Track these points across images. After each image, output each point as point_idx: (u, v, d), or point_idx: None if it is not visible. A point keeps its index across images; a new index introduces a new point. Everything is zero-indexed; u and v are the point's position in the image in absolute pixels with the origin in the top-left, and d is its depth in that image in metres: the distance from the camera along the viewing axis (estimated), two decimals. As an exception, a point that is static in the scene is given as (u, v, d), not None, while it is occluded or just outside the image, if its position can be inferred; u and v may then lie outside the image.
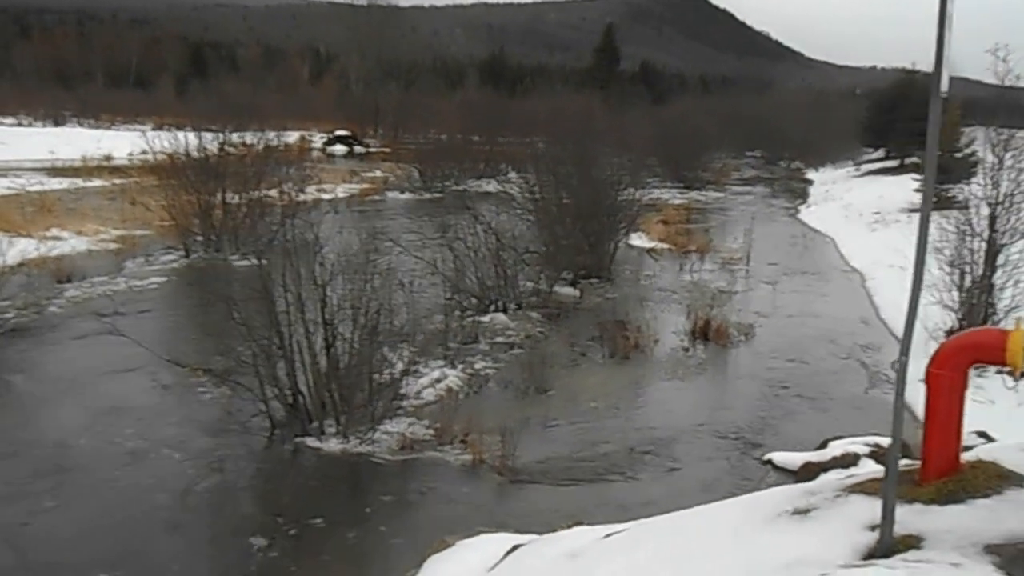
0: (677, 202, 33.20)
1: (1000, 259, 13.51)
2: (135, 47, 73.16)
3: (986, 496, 4.34)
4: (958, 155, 26.71)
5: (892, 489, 4.03)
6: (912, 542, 4.01)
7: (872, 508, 4.22)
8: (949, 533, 4.02)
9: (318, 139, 49.50)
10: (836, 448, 9.24)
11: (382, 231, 17.28)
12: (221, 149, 21.04)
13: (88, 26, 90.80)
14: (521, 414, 10.26)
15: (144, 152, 21.86)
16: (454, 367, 11.64)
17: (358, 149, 48.27)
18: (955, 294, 13.61)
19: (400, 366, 10.93)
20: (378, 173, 35.85)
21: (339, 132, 50.02)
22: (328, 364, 9.58)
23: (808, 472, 9.00)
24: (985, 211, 13.77)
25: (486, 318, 14.18)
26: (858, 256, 22.00)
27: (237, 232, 19.63)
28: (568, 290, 16.80)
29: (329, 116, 56.48)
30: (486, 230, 16.47)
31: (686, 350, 13.34)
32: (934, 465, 4.60)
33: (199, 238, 19.49)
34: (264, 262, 11.83)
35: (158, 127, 27.67)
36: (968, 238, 13.43)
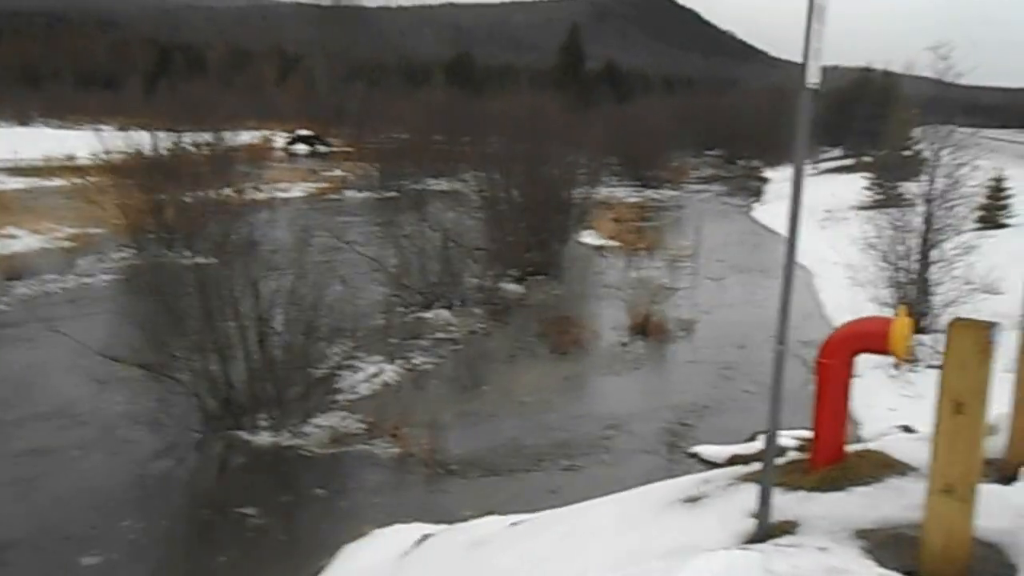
0: (632, 200, 33.31)
1: (935, 255, 13.64)
2: (103, 48, 72.22)
3: (867, 484, 4.39)
4: (906, 153, 26.97)
5: (769, 477, 4.05)
6: (788, 527, 4.04)
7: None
8: (824, 519, 4.05)
9: (281, 139, 49.07)
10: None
11: (332, 229, 17.17)
12: (174, 149, 20.83)
13: (57, 28, 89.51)
14: (455, 409, 10.26)
15: (107, 152, 21.57)
16: (392, 362, 11.61)
17: (321, 148, 47.93)
18: (891, 290, 13.76)
19: (338, 361, 10.88)
20: (338, 172, 35.63)
21: (301, 132, 49.66)
22: (262, 359, 9.51)
23: (734, 465, 9.04)
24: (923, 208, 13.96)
25: (429, 314, 14.15)
26: (806, 253, 22.04)
27: (190, 230, 19.43)
28: (514, 287, 16.80)
29: (294, 116, 56.06)
30: (433, 228, 16.44)
31: (624, 345, 13.37)
32: (822, 453, 4.63)
33: (152, 236, 19.27)
34: (212, 260, 11.75)
35: (123, 128, 27.19)
36: (904, 234, 13.56)
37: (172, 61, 74.30)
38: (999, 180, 20.58)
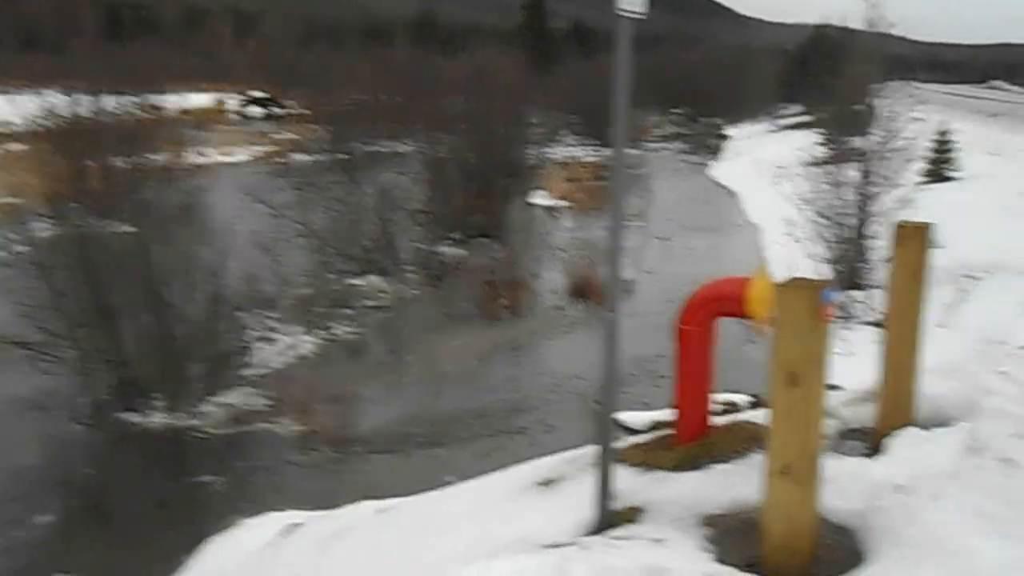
0: (590, 159, 32.84)
1: (873, 209, 13.39)
2: (48, 9, 70.19)
3: (729, 460, 4.02)
4: (857, 107, 26.62)
5: (608, 460, 3.70)
6: (632, 515, 3.68)
7: (620, 478, 3.91)
8: (673, 503, 3.69)
9: (234, 101, 48.03)
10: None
11: (268, 193, 16.66)
12: (101, 113, 20.03)
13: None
14: (372, 381, 9.87)
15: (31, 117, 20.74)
16: (312, 333, 11.17)
17: (276, 111, 46.90)
18: (829, 246, 13.53)
19: (252, 334, 10.51)
20: (289, 135, 34.80)
21: (256, 94, 48.58)
22: (157, 334, 9.05)
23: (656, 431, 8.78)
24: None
25: (361, 281, 13.71)
26: (758, 210, 21.86)
27: (114, 199, 18.80)
28: (454, 250, 16.38)
29: (249, 78, 54.81)
30: (372, 191, 16.01)
31: (560, 309, 13.03)
32: (686, 429, 4.26)
33: (74, 205, 18.59)
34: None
35: (67, 91, 26.14)
36: (839, 189, 13.30)
37: (121, 21, 72.43)
38: (943, 134, 20.40)
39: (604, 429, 3.63)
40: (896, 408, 4.07)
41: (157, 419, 8.53)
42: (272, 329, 11.17)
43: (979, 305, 11.06)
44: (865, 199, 13.37)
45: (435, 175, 19.37)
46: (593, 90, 40.37)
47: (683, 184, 27.53)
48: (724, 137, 46.57)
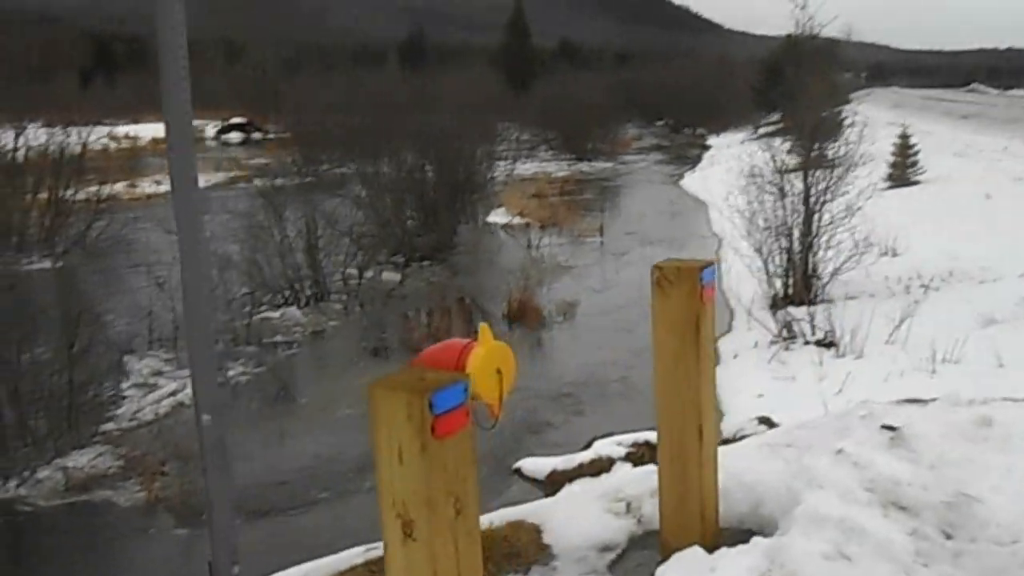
0: (561, 174, 31.63)
1: (823, 219, 12.20)
2: (35, 44, 69.08)
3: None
4: (824, 114, 25.49)
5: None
6: None
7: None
8: None
9: (212, 128, 46.96)
10: (589, 452, 7.64)
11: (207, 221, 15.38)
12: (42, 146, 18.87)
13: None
14: (253, 431, 8.56)
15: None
16: (202, 376, 9.86)
17: (256, 136, 45.82)
18: (776, 259, 12.30)
19: (132, 380, 9.24)
20: (262, 160, 33.65)
21: (234, 120, 47.51)
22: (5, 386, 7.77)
23: (553, 483, 7.43)
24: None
25: (276, 314, 12.38)
26: (719, 220, 20.57)
27: (50, 234, 17.62)
28: (390, 275, 15.06)
29: (232, 104, 53.81)
30: (304, 215, 14.75)
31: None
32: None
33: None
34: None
35: (49, 124, 24.71)
36: (780, 200, 12.10)
37: (111, 54, 71.68)
38: (905, 137, 19.24)
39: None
40: (682, 511, 2.92)
41: (-22, 490, 7.20)
42: (158, 373, 9.90)
43: (931, 318, 9.80)
44: (809, 209, 12.15)
45: (386, 195, 18.18)
46: (571, 106, 39.37)
47: (653, 196, 26.25)
48: (706, 147, 45.43)
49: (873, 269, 12.05)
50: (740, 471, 3.35)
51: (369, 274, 14.58)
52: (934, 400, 4.85)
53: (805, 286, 11.88)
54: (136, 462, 7.61)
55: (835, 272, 11.84)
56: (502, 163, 29.34)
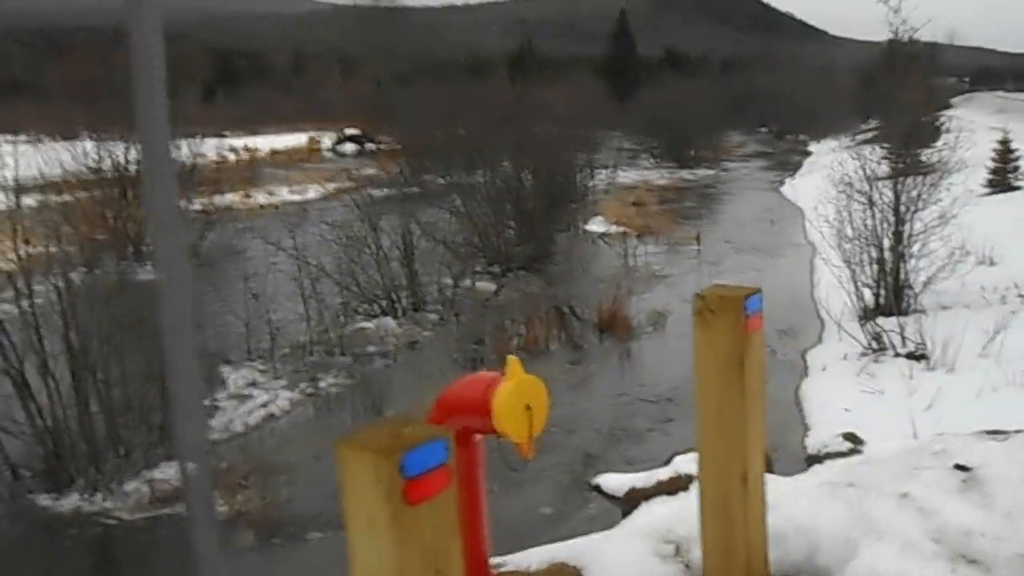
0: (662, 182, 30.87)
1: (915, 227, 11.35)
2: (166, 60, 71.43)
3: None
4: (923, 120, 24.09)
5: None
6: None
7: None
8: None
9: (329, 140, 47.82)
10: (668, 469, 7.10)
11: (307, 232, 15.47)
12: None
13: (124, 43, 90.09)
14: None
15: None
16: (295, 388, 9.71)
17: (369, 147, 46.41)
18: (866, 269, 11.50)
19: (227, 390, 9.18)
20: (371, 171, 33.90)
21: (349, 131, 48.25)
22: (80, 400, 7.65)
23: (631, 501, 6.95)
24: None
25: (371, 324, 12.21)
26: (815, 228, 19.61)
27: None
28: (486, 285, 14.77)
29: (349, 116, 54.76)
30: (400, 226, 14.60)
31: (578, 348, 11.26)
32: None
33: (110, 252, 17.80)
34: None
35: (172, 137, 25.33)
36: (870, 208, 11.33)
37: (232, 69, 74.02)
38: (1006, 142, 17.98)
39: None
40: (727, 565, 2.49)
41: (70, 502, 7.16)
42: (253, 384, 9.82)
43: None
44: (900, 217, 11.32)
45: (483, 205, 17.94)
46: (673, 114, 38.44)
47: (751, 202, 25.27)
48: (808, 153, 43.94)
49: (969, 279, 11.23)
50: (797, 513, 2.97)
51: (466, 284, 14.26)
52: (1019, 432, 4.22)
53: (896, 296, 11.11)
54: (221, 475, 7.46)
55: (927, 282, 11.03)
56: (604, 171, 28.90)
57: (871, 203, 11.09)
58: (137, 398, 7.75)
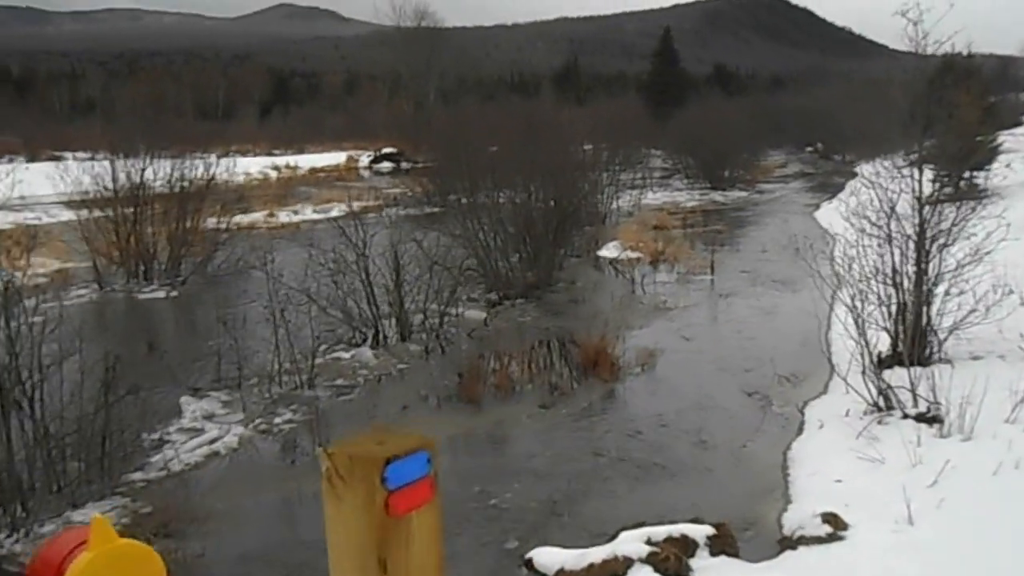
0: (690, 204, 30.15)
1: (943, 264, 10.38)
2: (222, 81, 73.21)
3: None
4: (979, 138, 22.96)
5: None
6: None
7: None
8: None
9: (366, 158, 47.99)
10: (606, 549, 6.51)
11: (304, 254, 15.18)
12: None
13: (193, 64, 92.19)
14: (280, 486, 7.97)
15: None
16: (249, 423, 9.37)
17: (405, 165, 46.42)
18: (884, 310, 10.58)
19: (179, 424, 8.88)
20: (399, 189, 33.77)
21: (386, 150, 48.37)
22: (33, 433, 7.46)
23: (555, 585, 6.38)
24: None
25: (348, 354, 11.87)
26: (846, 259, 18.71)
27: (175, 261, 17.97)
28: (475, 314, 14.31)
29: (391, 135, 54.98)
30: (388, 250, 14.23)
31: (554, 389, 10.67)
32: None
33: (120, 270, 17.80)
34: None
35: (223, 155, 25.28)
36: (887, 243, 10.37)
37: (288, 89, 75.24)
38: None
39: None
40: None
41: (-16, 544, 6.86)
42: (209, 417, 9.50)
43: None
44: (923, 253, 10.38)
45: (492, 227, 17.50)
46: (712, 133, 37.51)
47: (780, 228, 24.40)
48: (854, 174, 42.49)
49: (1008, 323, 9.92)
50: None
51: (445, 312, 13.73)
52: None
53: (917, 343, 10.07)
54: (141, 520, 7.13)
55: (954, 327, 10.00)
56: (631, 192, 28.28)
57: (889, 238, 10.15)
58: (84, 431, 7.47)
